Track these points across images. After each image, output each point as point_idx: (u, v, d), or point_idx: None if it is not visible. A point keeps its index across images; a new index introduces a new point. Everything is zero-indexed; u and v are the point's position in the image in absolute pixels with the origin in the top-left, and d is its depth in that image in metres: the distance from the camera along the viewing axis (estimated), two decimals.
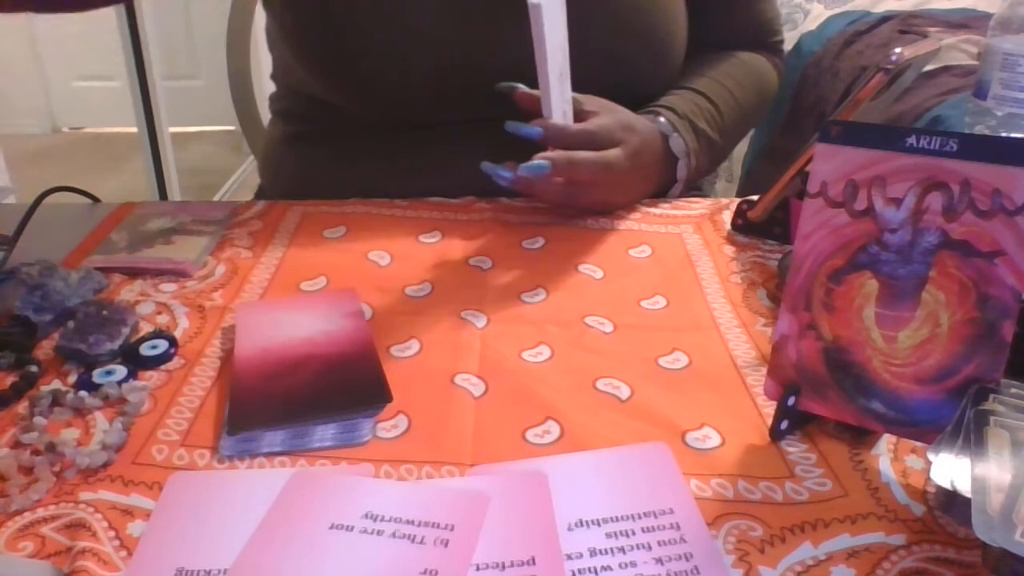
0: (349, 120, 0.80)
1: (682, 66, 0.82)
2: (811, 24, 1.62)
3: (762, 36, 0.91)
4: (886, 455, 0.44)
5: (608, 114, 0.70)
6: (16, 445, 0.45)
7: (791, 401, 0.44)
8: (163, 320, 0.57)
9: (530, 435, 0.45)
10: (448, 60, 0.74)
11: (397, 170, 0.79)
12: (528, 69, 0.70)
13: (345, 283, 0.61)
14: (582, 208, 0.71)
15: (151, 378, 0.51)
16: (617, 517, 0.39)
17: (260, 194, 0.94)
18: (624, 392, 0.49)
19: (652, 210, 0.74)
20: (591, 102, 0.71)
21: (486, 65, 0.71)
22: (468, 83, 0.73)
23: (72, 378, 0.51)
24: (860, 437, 0.45)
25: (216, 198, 2.69)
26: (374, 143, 0.79)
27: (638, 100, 0.78)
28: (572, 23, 0.66)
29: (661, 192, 0.77)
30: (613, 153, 0.68)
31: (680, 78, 0.82)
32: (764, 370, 0.48)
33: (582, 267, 0.64)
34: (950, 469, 0.36)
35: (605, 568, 0.37)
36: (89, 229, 0.70)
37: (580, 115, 0.69)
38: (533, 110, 0.69)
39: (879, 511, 0.40)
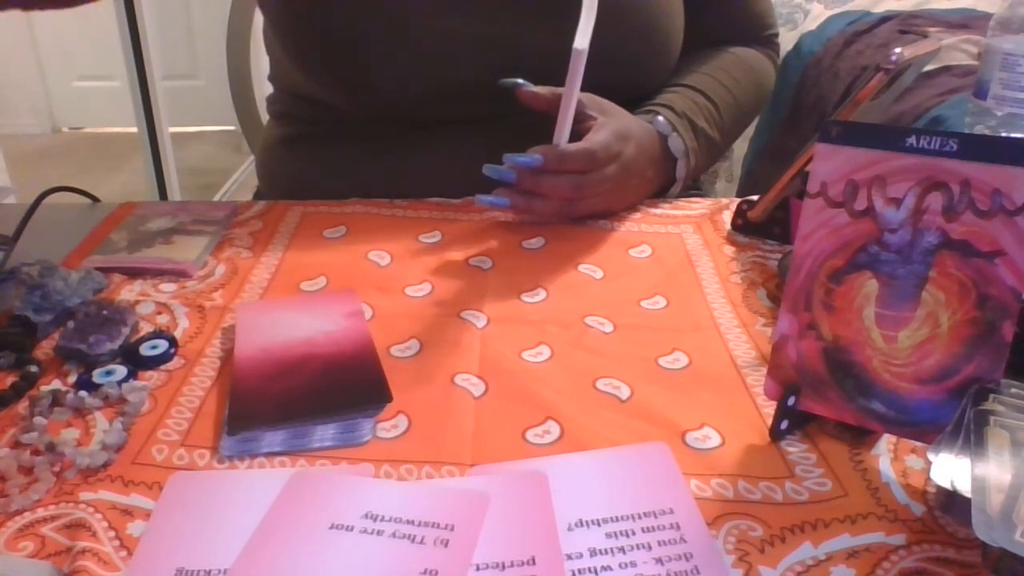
0: (347, 122, 0.80)
1: (677, 63, 0.82)
2: (811, 24, 1.62)
3: (756, 30, 0.91)
4: (886, 455, 0.44)
5: (606, 124, 0.70)
6: (16, 445, 0.45)
7: (791, 401, 0.44)
8: (163, 320, 0.57)
9: (530, 435, 0.45)
10: (449, 58, 0.73)
11: (395, 172, 0.79)
12: (528, 65, 0.70)
13: (345, 283, 0.61)
14: (580, 218, 0.71)
15: (151, 378, 0.51)
16: (617, 517, 0.39)
17: (258, 196, 0.93)
18: (624, 392, 0.49)
19: (652, 210, 0.74)
20: (593, 104, 0.71)
21: (486, 63, 0.71)
22: (468, 81, 0.73)
23: (72, 378, 0.51)
24: (860, 437, 0.45)
25: (216, 198, 2.69)
26: (372, 145, 0.79)
27: (636, 95, 0.78)
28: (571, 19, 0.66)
29: (661, 191, 0.77)
30: (609, 167, 0.68)
31: (676, 75, 0.82)
32: (764, 370, 0.49)
33: (582, 267, 0.64)
34: (950, 469, 0.36)
35: (605, 568, 0.37)
36: (89, 229, 0.70)
37: (580, 117, 0.69)
38: (534, 108, 0.69)
39: (879, 511, 0.40)
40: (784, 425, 0.45)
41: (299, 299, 0.60)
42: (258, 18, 1.07)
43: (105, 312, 0.54)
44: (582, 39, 0.62)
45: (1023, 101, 0.68)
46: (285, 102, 0.88)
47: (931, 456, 0.37)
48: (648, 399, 0.48)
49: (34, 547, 0.38)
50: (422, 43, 0.73)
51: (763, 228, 0.68)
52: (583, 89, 0.66)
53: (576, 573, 0.36)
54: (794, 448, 0.44)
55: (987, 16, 0.97)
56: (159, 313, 0.58)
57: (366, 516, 0.39)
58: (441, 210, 0.74)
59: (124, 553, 0.38)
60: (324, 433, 0.45)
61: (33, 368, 0.51)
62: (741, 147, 1.67)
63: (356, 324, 0.55)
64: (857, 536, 0.39)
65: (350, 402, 0.47)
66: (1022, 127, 0.69)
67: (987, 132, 0.70)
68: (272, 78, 0.90)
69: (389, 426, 0.46)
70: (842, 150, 0.42)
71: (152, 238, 0.67)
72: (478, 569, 0.36)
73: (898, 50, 0.58)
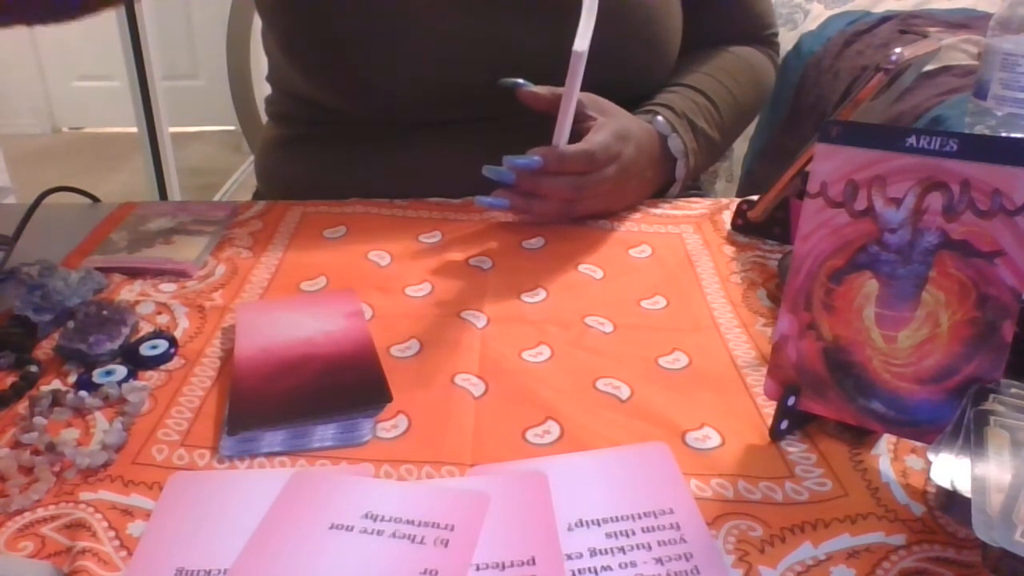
0: (345, 123, 0.80)
1: (677, 63, 0.82)
2: (811, 24, 1.62)
3: (756, 29, 0.91)
4: (886, 455, 0.44)
5: (606, 124, 0.69)
6: (16, 445, 0.45)
7: (791, 401, 0.44)
8: (163, 320, 0.57)
9: (530, 435, 0.45)
10: (447, 59, 0.73)
11: (395, 172, 0.79)
12: (528, 65, 0.70)
13: (345, 283, 0.61)
14: (579, 218, 0.71)
15: (151, 378, 0.51)
16: (617, 517, 0.39)
17: (258, 197, 0.93)
18: (624, 392, 0.49)
19: (652, 210, 0.74)
20: (593, 104, 0.71)
21: (485, 64, 0.71)
22: (467, 83, 0.73)
23: (72, 378, 0.51)
24: (860, 437, 0.45)
25: (216, 198, 2.68)
26: (371, 146, 0.79)
27: (635, 95, 0.78)
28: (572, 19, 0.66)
29: (660, 191, 0.77)
30: (609, 168, 0.68)
31: (676, 75, 0.81)
32: (764, 370, 0.49)
33: (582, 267, 0.64)
34: (950, 469, 0.36)
35: (605, 568, 0.37)
36: (89, 229, 0.70)
37: (580, 117, 0.69)
38: (534, 108, 0.69)
39: (879, 511, 0.40)
40: (784, 425, 0.45)
41: (299, 299, 0.60)
42: (258, 18, 1.07)
43: (105, 312, 0.54)
44: (582, 40, 0.62)
45: (1023, 101, 0.68)
46: (284, 103, 0.88)
47: (931, 456, 0.37)
48: (648, 399, 0.48)
49: (34, 547, 0.38)
50: (421, 44, 0.73)
51: (763, 228, 0.68)
52: (583, 89, 0.66)
53: (576, 573, 0.36)
54: (794, 448, 0.44)
55: (987, 16, 0.97)
56: (159, 313, 0.58)
57: (366, 516, 0.39)
58: (441, 210, 0.74)
59: (124, 553, 0.38)
60: (324, 433, 0.45)
61: (33, 368, 0.51)
62: (741, 147, 1.67)
63: (356, 324, 0.55)
64: (857, 536, 0.39)
65: (350, 402, 0.47)
66: (1022, 127, 0.69)
67: (987, 132, 0.70)
68: (271, 79, 0.90)
69: (389, 426, 0.46)
70: (842, 150, 0.42)
71: (152, 238, 0.67)
72: (478, 569, 0.36)
73: (898, 50, 0.58)
